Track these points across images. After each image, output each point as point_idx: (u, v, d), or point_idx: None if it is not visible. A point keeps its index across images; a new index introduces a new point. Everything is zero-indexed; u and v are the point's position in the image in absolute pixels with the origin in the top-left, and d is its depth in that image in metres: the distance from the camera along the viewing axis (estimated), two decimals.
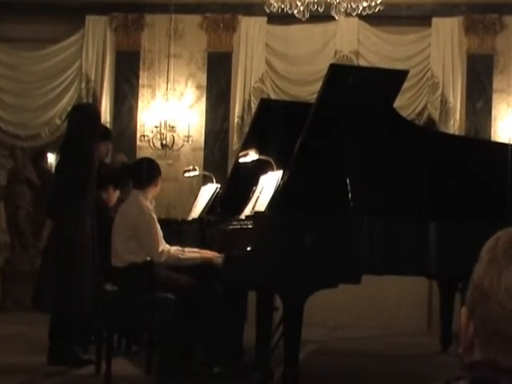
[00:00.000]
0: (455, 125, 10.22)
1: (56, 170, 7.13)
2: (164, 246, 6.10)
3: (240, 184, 6.63)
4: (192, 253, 6.13)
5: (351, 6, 8.56)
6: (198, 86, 10.79)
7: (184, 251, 6.13)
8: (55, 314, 6.67)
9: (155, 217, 6.24)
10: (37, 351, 6.91)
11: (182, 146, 10.66)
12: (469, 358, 1.29)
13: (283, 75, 10.64)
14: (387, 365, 7.39)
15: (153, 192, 6.39)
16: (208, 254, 5.98)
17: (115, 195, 7.40)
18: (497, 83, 10.32)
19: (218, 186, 7.36)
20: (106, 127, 8.87)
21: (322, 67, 9.23)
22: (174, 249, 6.14)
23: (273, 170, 5.81)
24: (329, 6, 8.62)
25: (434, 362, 7.43)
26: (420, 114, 10.33)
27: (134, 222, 6.17)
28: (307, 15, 8.65)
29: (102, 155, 7.50)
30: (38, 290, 6.77)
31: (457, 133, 9.95)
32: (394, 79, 5.84)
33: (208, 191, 7.48)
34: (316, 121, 5.51)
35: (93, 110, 7.27)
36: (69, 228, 6.57)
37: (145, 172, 6.35)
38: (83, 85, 10.79)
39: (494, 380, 1.22)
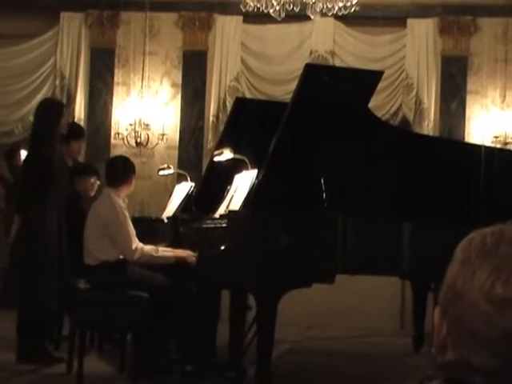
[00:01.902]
0: (429, 125, 10.26)
1: (22, 165, 7.01)
2: (137, 243, 6.09)
3: (214, 183, 6.62)
4: (166, 252, 6.12)
5: (327, 6, 8.57)
6: (173, 84, 10.76)
7: (158, 250, 6.12)
8: (23, 311, 6.62)
9: (128, 215, 6.23)
10: (7, 349, 6.83)
11: (156, 144, 10.62)
12: (442, 358, 1.29)
13: (259, 74, 10.63)
14: (360, 365, 7.40)
15: (126, 190, 6.38)
16: (182, 253, 5.98)
17: (93, 185, 7.30)
18: (471, 85, 10.37)
19: (193, 184, 7.34)
20: (79, 125, 8.81)
21: (297, 67, 9.22)
22: (148, 248, 6.13)
23: (247, 169, 5.80)
24: (304, 6, 8.62)
25: (407, 361, 7.44)
26: (395, 114, 10.36)
27: (106, 220, 6.15)
28: (283, 15, 8.65)
29: (74, 153, 7.45)
30: (4, 289, 6.70)
31: (431, 133, 9.98)
32: (369, 80, 5.85)
33: (182, 190, 7.46)
34: (291, 120, 5.51)
35: (55, 105, 7.06)
36: (34, 225, 6.53)
37: (119, 170, 6.33)
38: (57, 82, 10.71)
39: (467, 379, 1.23)
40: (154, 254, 6.08)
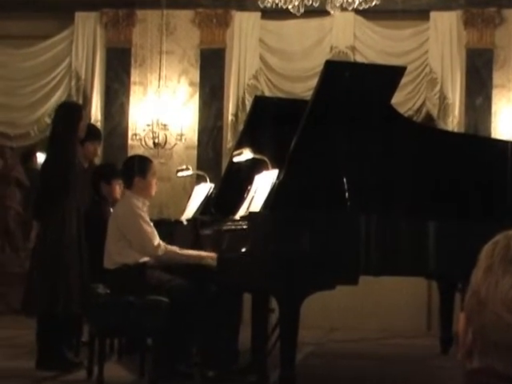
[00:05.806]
0: (454, 121, 10.10)
1: (41, 169, 7.00)
2: (159, 241, 6.06)
3: (234, 184, 6.54)
4: (189, 251, 6.08)
5: (347, 0, 8.45)
6: (191, 83, 10.65)
7: (181, 249, 6.10)
8: (42, 318, 6.57)
9: (145, 216, 6.17)
10: (26, 356, 6.79)
11: (174, 145, 10.52)
12: (469, 365, 1.29)
13: (278, 71, 10.51)
14: (385, 367, 7.31)
15: (145, 190, 6.28)
16: (204, 253, 5.91)
17: (117, 189, 7.17)
18: (497, 78, 10.19)
19: (212, 185, 7.27)
20: (94, 126, 8.68)
21: (317, 63, 9.12)
22: (171, 247, 6.09)
23: (268, 169, 5.72)
24: (324, 1, 8.50)
25: (434, 363, 7.36)
26: (418, 110, 10.21)
27: (123, 222, 6.17)
28: (302, 10, 8.53)
29: (89, 155, 7.37)
30: (26, 295, 6.67)
31: (456, 129, 9.84)
32: (391, 75, 5.76)
33: (201, 191, 7.39)
34: (312, 118, 5.42)
35: (74, 108, 7.09)
36: (54, 229, 6.50)
37: (134, 169, 6.29)
38: (73, 83, 10.63)
39: None
40: (179, 250, 6.06)
